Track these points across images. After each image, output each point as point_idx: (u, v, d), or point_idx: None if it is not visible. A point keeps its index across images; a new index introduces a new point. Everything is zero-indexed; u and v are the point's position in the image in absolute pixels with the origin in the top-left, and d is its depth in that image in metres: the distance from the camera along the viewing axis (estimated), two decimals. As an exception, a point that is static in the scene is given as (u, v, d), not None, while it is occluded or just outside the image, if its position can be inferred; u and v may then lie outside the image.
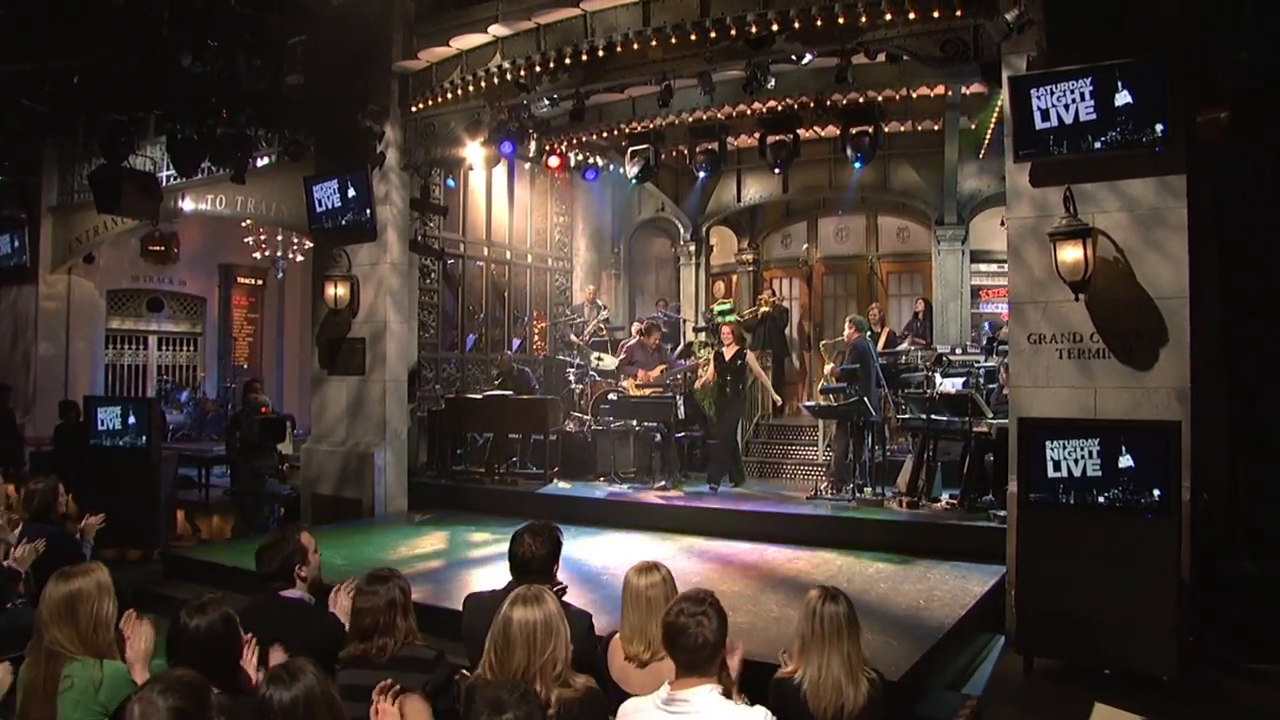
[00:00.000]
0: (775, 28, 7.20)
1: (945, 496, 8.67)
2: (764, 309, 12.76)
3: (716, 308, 13.63)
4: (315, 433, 10.39)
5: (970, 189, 11.72)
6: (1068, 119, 6.25)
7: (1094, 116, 6.16)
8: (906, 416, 9.11)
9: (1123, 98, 6.07)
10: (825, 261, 13.77)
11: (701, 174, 10.11)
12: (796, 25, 7.15)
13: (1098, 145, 6.19)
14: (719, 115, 9.85)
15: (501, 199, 12.93)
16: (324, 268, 10.21)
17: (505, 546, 3.57)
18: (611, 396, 11.16)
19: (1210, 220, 6.43)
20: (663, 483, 9.77)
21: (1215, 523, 6.27)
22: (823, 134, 11.63)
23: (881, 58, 7.92)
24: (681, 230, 14.04)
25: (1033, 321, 6.58)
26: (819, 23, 7.07)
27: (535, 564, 3.36)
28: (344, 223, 9.87)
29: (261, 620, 3.00)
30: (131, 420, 8.83)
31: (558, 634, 2.65)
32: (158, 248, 15.54)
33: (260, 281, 17.38)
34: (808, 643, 2.90)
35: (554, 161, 12.01)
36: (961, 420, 8.21)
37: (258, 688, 2.30)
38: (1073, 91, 6.21)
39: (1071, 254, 6.18)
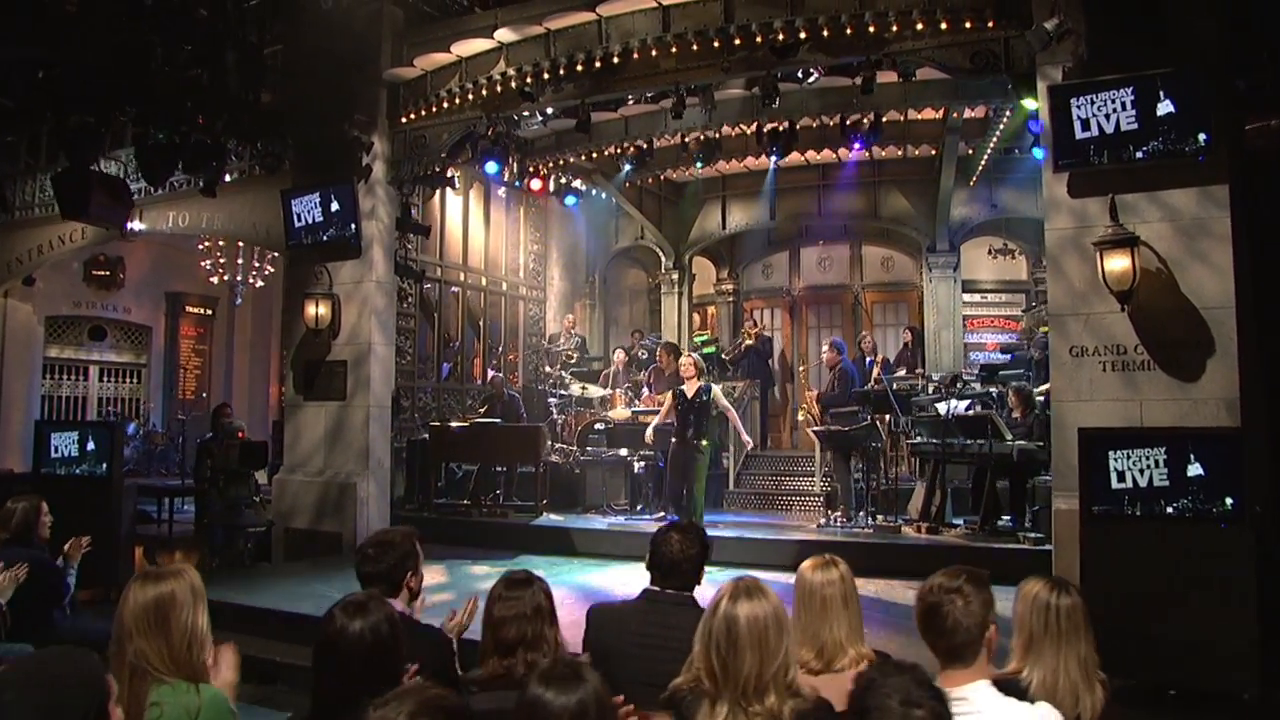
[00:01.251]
0: (803, 35, 7.02)
1: (960, 522, 8.47)
2: (747, 342, 12.53)
3: (696, 339, 13.38)
4: (289, 462, 9.66)
5: (960, 216, 11.74)
6: (1109, 129, 6.19)
7: (1135, 126, 6.12)
8: (917, 440, 8.90)
9: (1164, 107, 6.04)
10: (808, 291, 13.64)
11: (698, 163, 10.00)
12: (825, 34, 6.99)
13: (1139, 155, 6.13)
14: (716, 135, 9.74)
15: (478, 224, 12.50)
16: (301, 286, 9.58)
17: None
18: (599, 426, 10.73)
19: (1242, 229, 6.40)
20: (661, 512, 9.34)
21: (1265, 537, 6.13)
22: (814, 159, 11.65)
23: (890, 77, 7.86)
24: (663, 259, 13.75)
25: (1074, 334, 6.44)
26: (849, 31, 6.94)
27: (686, 565, 2.91)
28: (326, 238, 9.29)
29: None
30: (90, 446, 8.00)
31: (788, 633, 2.22)
32: (102, 272, 14.69)
33: (210, 311, 16.45)
34: (1037, 640, 2.53)
35: (535, 185, 11.70)
36: (978, 443, 8.04)
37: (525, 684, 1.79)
38: (1114, 101, 6.17)
39: (1119, 263, 6.07)
